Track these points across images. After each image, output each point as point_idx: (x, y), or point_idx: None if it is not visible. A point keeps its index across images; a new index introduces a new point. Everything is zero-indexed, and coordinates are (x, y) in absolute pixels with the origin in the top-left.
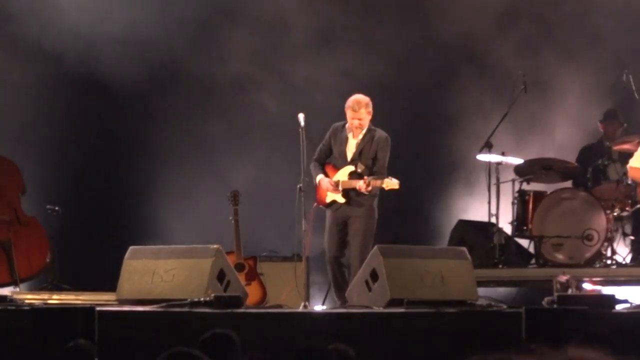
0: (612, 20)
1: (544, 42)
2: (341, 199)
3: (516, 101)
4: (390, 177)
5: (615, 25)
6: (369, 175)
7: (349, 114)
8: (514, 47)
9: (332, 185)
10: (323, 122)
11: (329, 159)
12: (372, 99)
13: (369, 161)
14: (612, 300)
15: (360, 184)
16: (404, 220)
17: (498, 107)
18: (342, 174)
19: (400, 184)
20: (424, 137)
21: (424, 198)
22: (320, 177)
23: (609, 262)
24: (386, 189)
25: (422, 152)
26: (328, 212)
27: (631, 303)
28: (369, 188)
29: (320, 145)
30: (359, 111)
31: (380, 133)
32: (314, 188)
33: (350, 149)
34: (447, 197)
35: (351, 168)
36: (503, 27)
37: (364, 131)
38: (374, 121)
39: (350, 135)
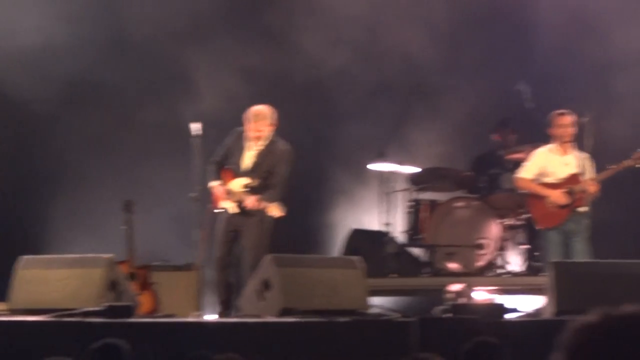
0: (506, 30)
1: (436, 50)
2: (233, 209)
3: (410, 110)
4: (277, 204)
5: (509, 35)
6: (262, 189)
7: (248, 125)
8: (404, 55)
9: (224, 194)
10: (221, 127)
11: (228, 163)
12: (269, 101)
13: (264, 174)
14: (501, 309)
15: (248, 201)
16: (297, 229)
17: (392, 115)
18: (236, 185)
19: (295, 191)
20: (319, 144)
21: (317, 207)
22: (213, 184)
23: (501, 271)
24: (268, 213)
25: (317, 160)
26: (220, 217)
27: (521, 311)
28: (257, 207)
29: (221, 146)
30: (258, 123)
31: (282, 145)
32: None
33: (246, 160)
34: (341, 206)
35: (245, 180)
36: (394, 32)
37: (264, 142)
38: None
39: (248, 145)
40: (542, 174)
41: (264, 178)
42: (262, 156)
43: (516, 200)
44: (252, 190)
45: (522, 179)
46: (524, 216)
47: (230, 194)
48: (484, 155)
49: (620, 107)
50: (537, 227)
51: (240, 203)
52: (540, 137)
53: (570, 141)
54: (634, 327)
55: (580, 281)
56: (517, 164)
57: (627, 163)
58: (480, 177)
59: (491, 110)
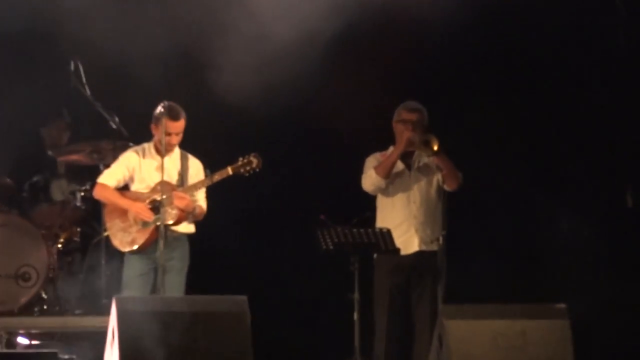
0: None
1: None
2: None
3: None
4: None
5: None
6: None
7: None
8: None
9: None
10: None
11: None
12: None
13: None
14: (53, 358)
15: None
16: None
17: None
18: None
19: None
20: None
21: None
22: None
23: (55, 308)
24: None
25: None
26: None
27: None
28: None
29: None
30: None
31: None
32: None
33: None
34: None
35: None
36: None
37: None
38: None
39: None
40: (132, 180)
41: None
42: None
43: (70, 215)
44: None
45: (102, 186)
46: (80, 237)
47: None
48: (29, 157)
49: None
50: (121, 250)
51: None
52: (102, 132)
53: (171, 143)
54: None
55: (146, 320)
56: (73, 168)
57: (231, 170)
58: (23, 185)
59: (39, 95)
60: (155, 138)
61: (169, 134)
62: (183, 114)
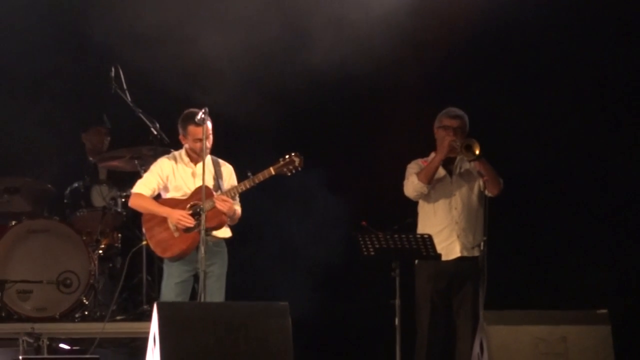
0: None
1: None
2: None
3: None
4: None
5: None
6: None
7: None
8: None
9: None
10: None
11: None
12: None
13: None
14: None
15: None
16: None
17: None
18: None
19: None
20: None
21: None
22: None
23: (94, 314)
24: None
25: None
26: None
27: None
28: None
29: None
30: None
31: None
32: None
33: None
34: None
35: None
36: None
37: None
38: None
39: None
40: (166, 189)
41: None
42: None
43: (111, 222)
44: None
45: (138, 195)
46: (122, 243)
47: None
48: (70, 163)
49: None
50: (160, 256)
51: None
52: (143, 138)
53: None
54: None
55: (187, 326)
56: (114, 174)
57: (274, 170)
58: (65, 190)
59: (79, 100)
60: (187, 146)
61: (199, 140)
62: (207, 117)
